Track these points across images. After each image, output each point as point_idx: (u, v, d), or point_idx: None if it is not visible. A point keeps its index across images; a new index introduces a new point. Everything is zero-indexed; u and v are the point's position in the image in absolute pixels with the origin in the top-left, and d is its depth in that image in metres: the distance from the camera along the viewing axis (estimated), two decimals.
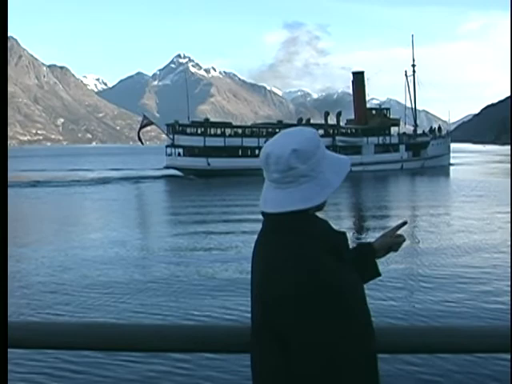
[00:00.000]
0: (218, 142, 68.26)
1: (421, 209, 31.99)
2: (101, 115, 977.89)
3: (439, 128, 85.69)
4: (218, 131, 70.17)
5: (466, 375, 8.46)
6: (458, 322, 10.78)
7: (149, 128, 75.28)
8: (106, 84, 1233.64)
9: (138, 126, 69.31)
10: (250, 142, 68.64)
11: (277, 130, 72.21)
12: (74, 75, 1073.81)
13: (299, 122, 76.75)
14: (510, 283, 13.34)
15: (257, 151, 68.38)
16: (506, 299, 12.39)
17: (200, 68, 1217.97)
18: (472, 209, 30.65)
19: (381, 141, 76.29)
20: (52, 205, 38.93)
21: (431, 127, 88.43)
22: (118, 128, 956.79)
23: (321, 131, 74.36)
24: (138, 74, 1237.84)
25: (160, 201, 43.15)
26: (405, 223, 2.58)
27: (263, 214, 2.31)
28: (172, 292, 14.06)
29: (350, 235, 19.77)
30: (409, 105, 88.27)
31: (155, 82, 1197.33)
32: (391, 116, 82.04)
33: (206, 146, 66.81)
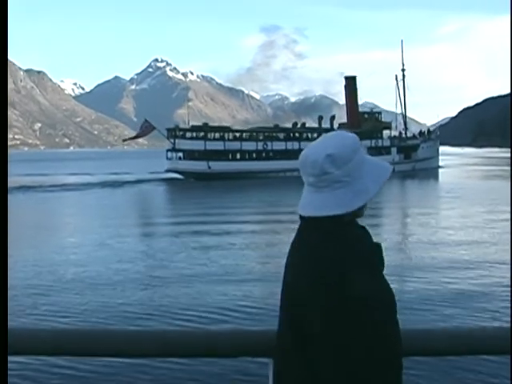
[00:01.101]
0: (219, 145, 69.86)
1: (415, 211, 32.50)
2: (78, 120, 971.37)
3: (429, 131, 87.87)
4: (218, 135, 71.82)
5: (466, 376, 8.46)
6: (456, 325, 10.30)
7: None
8: (83, 88, 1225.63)
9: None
10: (248, 145, 70.46)
11: (273, 134, 74.26)
12: (51, 80, 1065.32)
13: (276, 127, 78.62)
14: (510, 283, 13.36)
15: (254, 154, 70.18)
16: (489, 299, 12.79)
17: (178, 72, 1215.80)
18: (466, 211, 30.91)
19: (373, 144, 77.98)
20: (61, 210, 39.50)
21: (421, 130, 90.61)
22: (95, 132, 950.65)
23: (315, 135, 76.52)
24: (116, 78, 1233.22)
25: (164, 203, 44.54)
26: None
27: (301, 217, 2.31)
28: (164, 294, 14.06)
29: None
30: (398, 109, 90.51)
31: (133, 86, 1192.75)
32: (383, 119, 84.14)
33: (207, 150, 68.45)
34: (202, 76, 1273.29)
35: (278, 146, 72.05)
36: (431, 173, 72.86)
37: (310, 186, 2.25)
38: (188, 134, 70.33)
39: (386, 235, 22.43)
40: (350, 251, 2.14)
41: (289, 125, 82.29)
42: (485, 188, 45.98)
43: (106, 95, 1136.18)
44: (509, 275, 14.26)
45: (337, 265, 2.12)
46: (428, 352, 2.67)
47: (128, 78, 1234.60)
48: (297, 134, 74.96)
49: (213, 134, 71.38)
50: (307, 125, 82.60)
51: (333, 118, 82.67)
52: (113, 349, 2.62)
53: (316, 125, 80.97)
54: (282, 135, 74.50)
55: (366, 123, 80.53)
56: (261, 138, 72.48)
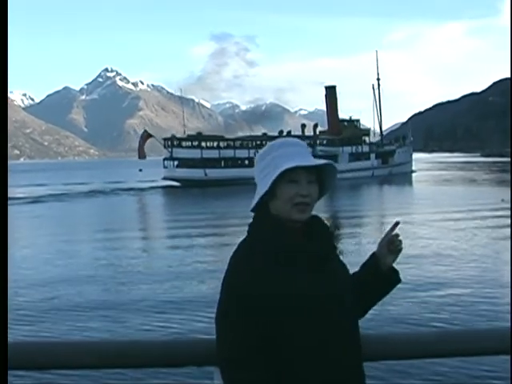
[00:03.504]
0: (214, 153, 73.46)
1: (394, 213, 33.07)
2: (28, 131, 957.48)
3: (403, 137, 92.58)
4: (214, 144, 75.46)
5: (466, 377, 8.49)
6: (456, 327, 10.63)
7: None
8: (33, 99, 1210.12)
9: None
10: (241, 153, 74.24)
11: (264, 142, 78.23)
12: None
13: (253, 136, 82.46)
14: (510, 283, 13.34)
15: (247, 161, 73.87)
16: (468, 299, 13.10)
17: (128, 81, 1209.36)
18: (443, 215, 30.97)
19: (354, 150, 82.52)
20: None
21: (396, 136, 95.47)
22: (46, 143, 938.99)
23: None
24: (66, 88, 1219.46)
25: (163, 209, 45.91)
26: (397, 223, 2.46)
27: None
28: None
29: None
30: (375, 116, 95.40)
31: (83, 97, 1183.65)
32: (362, 127, 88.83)
33: (203, 158, 71.98)
34: (153, 85, 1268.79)
35: None
36: (406, 177, 76.15)
37: None
38: (184, 144, 73.73)
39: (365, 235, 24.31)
40: (260, 249, 2.22)
41: (241, 133, 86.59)
42: (452, 192, 47.00)
43: (56, 106, 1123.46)
44: (509, 276, 14.26)
45: (235, 265, 2.24)
46: (431, 354, 2.64)
47: (78, 89, 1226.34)
48: None
49: (208, 143, 75.03)
50: (260, 133, 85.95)
51: (316, 125, 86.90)
52: (51, 361, 2.52)
53: (273, 133, 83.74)
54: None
55: (346, 130, 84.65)
56: (252, 145, 76.49)
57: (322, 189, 2.33)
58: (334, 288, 2.23)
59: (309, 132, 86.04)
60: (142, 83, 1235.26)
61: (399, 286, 2.48)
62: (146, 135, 73.30)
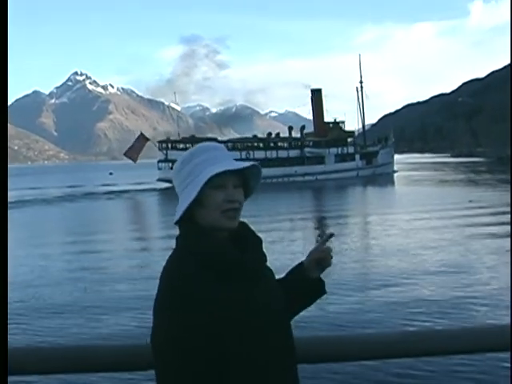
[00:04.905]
0: None
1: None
2: None
3: (385, 138, 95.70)
4: None
5: (465, 376, 8.58)
6: (457, 325, 10.55)
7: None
8: None
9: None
10: (233, 155, 76.53)
11: (255, 144, 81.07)
12: None
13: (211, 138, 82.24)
14: (510, 283, 13.40)
15: None
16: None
17: (97, 85, 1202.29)
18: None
19: (340, 151, 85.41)
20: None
21: (379, 138, 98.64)
22: (15, 148, 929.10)
23: (287, 144, 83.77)
24: (35, 92, 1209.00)
25: (160, 210, 46.70)
26: (331, 235, 2.38)
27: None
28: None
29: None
30: (359, 119, 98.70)
31: (52, 100, 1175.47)
32: (346, 129, 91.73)
33: None
34: (123, 88, 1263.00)
35: (259, 154, 78.66)
36: (389, 177, 78.06)
37: None
38: (179, 146, 75.92)
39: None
40: (186, 261, 2.10)
41: (211, 135, 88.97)
42: (428, 193, 47.94)
43: (25, 110, 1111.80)
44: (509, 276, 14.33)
45: (165, 271, 2.12)
46: (431, 352, 2.70)
47: (47, 92, 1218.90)
48: (272, 144, 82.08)
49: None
50: (231, 135, 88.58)
51: (303, 127, 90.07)
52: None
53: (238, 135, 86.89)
54: (261, 145, 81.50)
55: (331, 132, 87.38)
56: (242, 147, 79.30)
57: (246, 193, 2.26)
58: (268, 300, 2.15)
59: (295, 134, 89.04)
60: (112, 86, 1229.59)
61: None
62: (143, 139, 75.33)
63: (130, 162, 76.37)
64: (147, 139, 75.63)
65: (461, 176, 71.06)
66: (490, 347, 2.66)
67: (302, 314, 2.43)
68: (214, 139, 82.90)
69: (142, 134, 76.74)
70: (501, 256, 18.10)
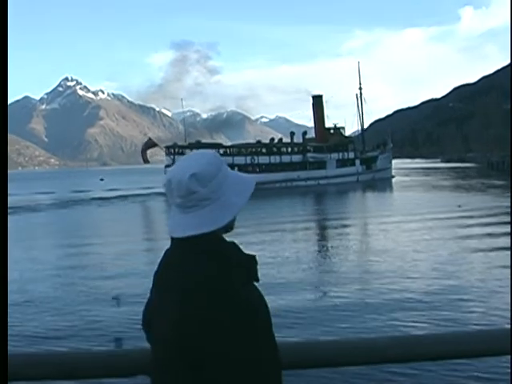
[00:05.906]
0: None
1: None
2: None
3: (384, 143, 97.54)
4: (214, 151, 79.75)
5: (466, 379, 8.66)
6: (460, 329, 10.71)
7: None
8: None
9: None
10: (239, 160, 78.35)
11: (259, 149, 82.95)
12: None
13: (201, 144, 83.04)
14: (510, 284, 13.62)
15: (244, 168, 78.04)
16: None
17: (88, 91, 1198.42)
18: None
19: (341, 156, 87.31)
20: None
21: (378, 143, 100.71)
22: None
23: (289, 149, 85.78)
24: (25, 98, 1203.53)
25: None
26: None
27: (172, 238, 2.24)
28: None
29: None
30: (359, 124, 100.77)
31: (43, 106, 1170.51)
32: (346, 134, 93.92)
33: None
34: (113, 94, 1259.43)
35: (263, 159, 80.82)
36: (387, 182, 79.70)
37: (178, 208, 2.22)
38: (186, 151, 77.68)
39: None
40: (228, 265, 2.13)
41: (205, 141, 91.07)
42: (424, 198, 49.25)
43: (15, 115, 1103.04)
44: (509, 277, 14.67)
45: (224, 283, 2.09)
46: (435, 356, 2.67)
47: (38, 98, 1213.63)
48: (274, 149, 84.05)
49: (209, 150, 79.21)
50: (221, 140, 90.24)
51: (305, 133, 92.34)
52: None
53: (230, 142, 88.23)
54: (264, 150, 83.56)
55: (332, 138, 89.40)
56: (248, 152, 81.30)
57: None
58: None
59: (297, 140, 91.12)
60: (103, 92, 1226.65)
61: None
62: (151, 143, 77.78)
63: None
64: (155, 144, 77.93)
65: (451, 182, 72.29)
66: (492, 352, 2.68)
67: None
68: (219, 145, 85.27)
69: (149, 138, 79.47)
70: (486, 257, 19.29)
